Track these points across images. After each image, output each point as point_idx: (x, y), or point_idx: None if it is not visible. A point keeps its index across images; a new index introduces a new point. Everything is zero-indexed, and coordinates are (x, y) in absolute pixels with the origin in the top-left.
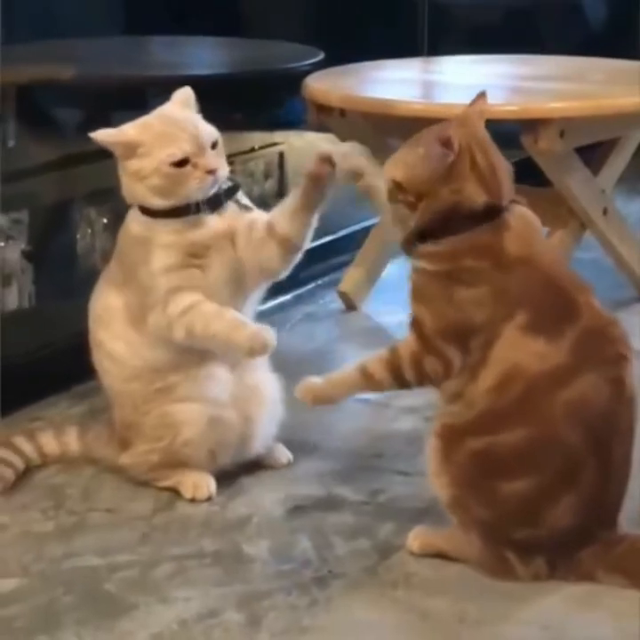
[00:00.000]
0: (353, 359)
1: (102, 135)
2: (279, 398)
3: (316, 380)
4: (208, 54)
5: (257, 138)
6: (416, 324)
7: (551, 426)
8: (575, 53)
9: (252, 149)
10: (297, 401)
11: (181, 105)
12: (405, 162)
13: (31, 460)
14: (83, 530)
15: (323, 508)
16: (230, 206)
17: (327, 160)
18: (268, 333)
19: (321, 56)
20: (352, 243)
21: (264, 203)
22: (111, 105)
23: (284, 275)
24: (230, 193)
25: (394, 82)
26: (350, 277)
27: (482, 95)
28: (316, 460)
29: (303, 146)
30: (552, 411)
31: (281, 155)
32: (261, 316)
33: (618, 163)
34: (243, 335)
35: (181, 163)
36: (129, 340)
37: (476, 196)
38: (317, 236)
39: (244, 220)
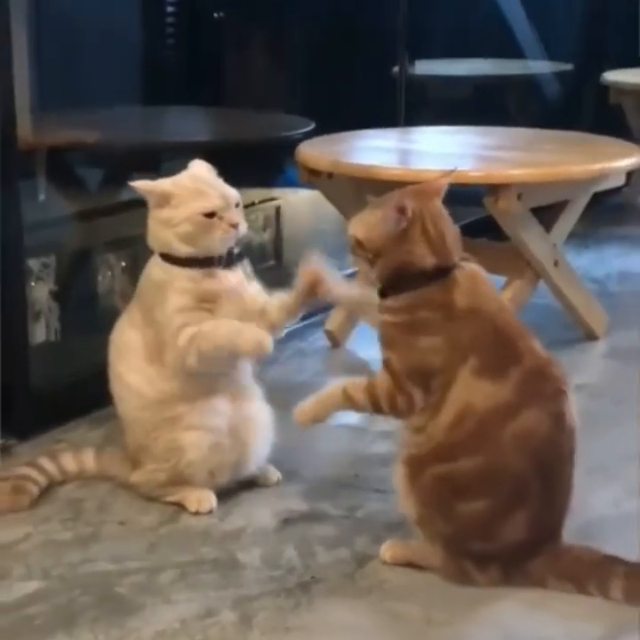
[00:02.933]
0: None
1: (141, 184)
2: (271, 425)
3: (306, 403)
4: (215, 123)
5: (257, 194)
6: (388, 365)
7: (501, 454)
8: (533, 125)
9: (253, 204)
10: (286, 427)
11: (206, 170)
12: (367, 222)
13: (53, 478)
14: (98, 539)
15: (308, 521)
16: (239, 268)
17: (318, 277)
18: (264, 336)
19: (312, 125)
20: None
21: (263, 250)
22: (129, 166)
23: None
24: (239, 258)
25: (375, 149)
26: (335, 318)
27: (446, 174)
28: (302, 479)
29: (297, 201)
30: (501, 441)
31: (278, 209)
32: None
33: (568, 221)
34: (242, 339)
35: (210, 215)
36: (146, 373)
37: (425, 259)
38: None
39: (250, 289)
